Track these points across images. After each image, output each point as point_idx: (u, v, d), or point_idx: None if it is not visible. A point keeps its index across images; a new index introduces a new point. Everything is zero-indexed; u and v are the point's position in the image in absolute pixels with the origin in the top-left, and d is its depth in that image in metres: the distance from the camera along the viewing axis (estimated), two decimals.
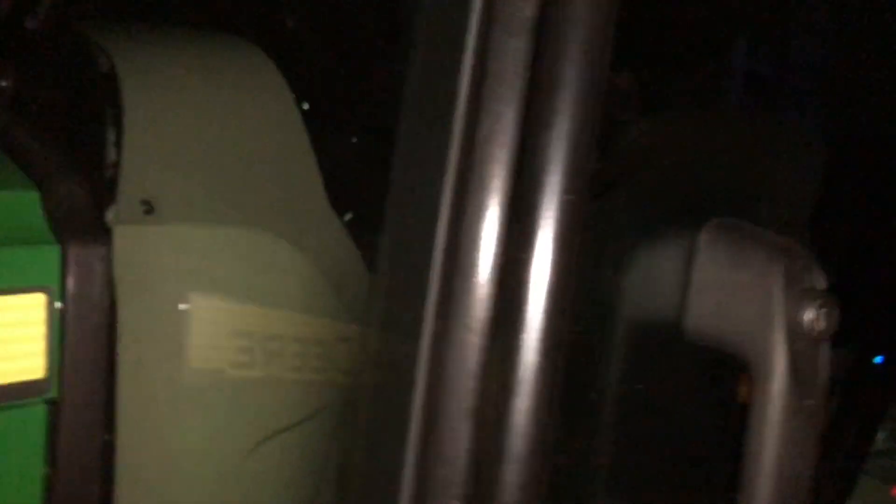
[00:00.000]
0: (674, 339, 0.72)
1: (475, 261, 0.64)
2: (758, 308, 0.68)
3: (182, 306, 1.02)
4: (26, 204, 0.94)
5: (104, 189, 1.03)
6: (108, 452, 0.96)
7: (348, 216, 1.36)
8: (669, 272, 0.72)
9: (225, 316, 1.05)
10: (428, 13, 0.68)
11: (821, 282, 0.67)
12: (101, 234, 0.95)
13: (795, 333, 0.67)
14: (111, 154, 1.07)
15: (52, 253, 0.91)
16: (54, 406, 0.92)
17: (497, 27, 0.62)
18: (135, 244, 1.01)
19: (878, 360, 1.51)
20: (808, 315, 0.67)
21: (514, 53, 0.62)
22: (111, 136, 1.07)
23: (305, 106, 1.30)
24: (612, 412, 0.79)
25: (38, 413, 0.92)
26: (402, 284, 0.70)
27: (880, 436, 1.40)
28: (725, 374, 0.82)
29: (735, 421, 0.82)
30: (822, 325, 0.67)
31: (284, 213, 1.16)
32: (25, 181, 0.97)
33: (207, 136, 1.11)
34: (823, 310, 0.67)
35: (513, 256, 0.57)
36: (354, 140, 1.63)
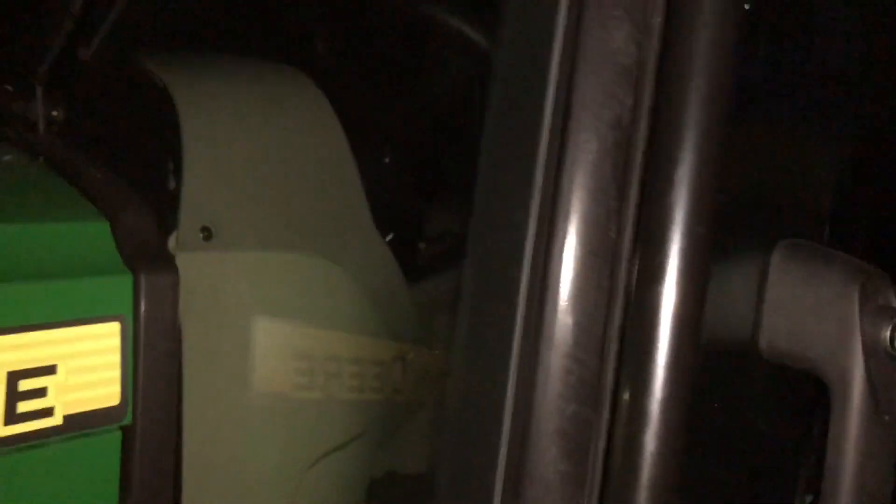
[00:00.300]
0: (746, 356, 0.74)
1: (560, 288, 0.66)
2: (835, 326, 0.70)
3: (243, 330, 1.04)
4: (97, 234, 0.96)
5: (164, 217, 1.05)
6: (178, 475, 0.98)
7: (390, 237, 1.39)
8: (740, 291, 0.75)
9: (284, 339, 1.07)
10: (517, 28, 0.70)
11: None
12: (170, 262, 0.97)
13: (873, 350, 0.69)
14: (170, 182, 1.09)
15: (124, 282, 0.94)
16: (128, 432, 0.94)
17: (586, 62, 0.64)
18: (196, 270, 1.03)
19: None
20: (885, 332, 0.70)
21: (603, 85, 0.64)
22: (169, 164, 1.10)
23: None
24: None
25: (113, 439, 0.94)
26: (492, 311, 0.72)
27: None
28: (800, 390, 0.84)
29: (809, 437, 0.84)
30: None
31: (334, 237, 1.19)
32: (94, 212, 0.99)
33: (262, 163, 1.13)
34: None
35: (640, 285, 0.59)
36: (387, 160, 1.66)
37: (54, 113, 1.21)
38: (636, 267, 0.61)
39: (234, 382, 1.04)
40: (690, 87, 0.58)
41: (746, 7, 0.66)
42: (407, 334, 1.31)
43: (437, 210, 1.84)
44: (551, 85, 0.68)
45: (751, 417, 0.83)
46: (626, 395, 0.60)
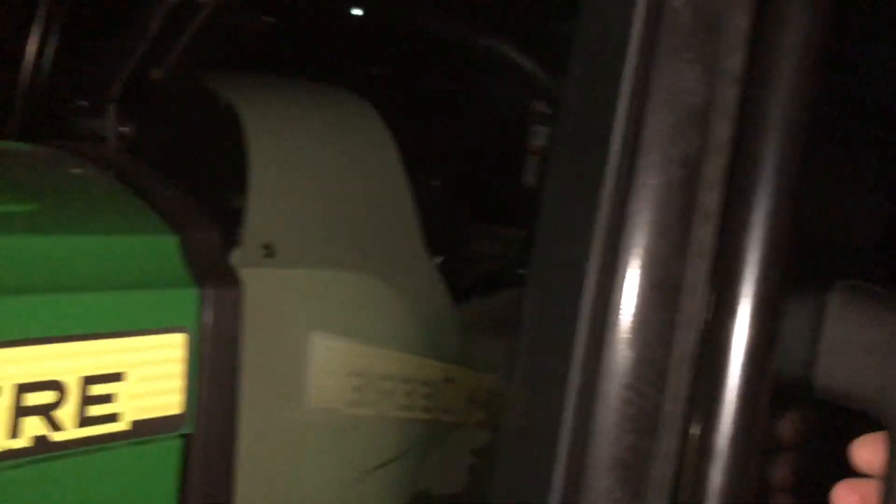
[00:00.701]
0: (800, 394, 0.75)
1: (620, 320, 0.68)
2: (894, 367, 0.71)
3: (300, 346, 1.07)
4: (166, 248, 1.00)
5: (228, 233, 1.09)
6: (232, 484, 1.01)
7: (439, 259, 1.42)
8: (795, 329, 0.76)
9: (340, 356, 1.10)
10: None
11: None
12: (235, 277, 1.01)
13: None
14: (234, 199, 1.13)
15: (190, 295, 0.97)
16: (189, 441, 0.97)
17: (656, 103, 0.66)
18: (257, 286, 1.06)
19: None
20: None
21: (670, 124, 0.67)
22: (234, 182, 1.14)
23: None
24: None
25: (174, 447, 0.97)
26: (552, 339, 0.74)
27: None
28: (854, 429, 0.85)
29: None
30: None
31: (387, 258, 1.22)
32: (163, 226, 1.03)
33: (322, 183, 1.17)
34: None
35: (714, 322, 0.61)
36: (437, 184, 1.69)
37: (125, 129, 1.26)
38: (706, 303, 0.63)
39: (289, 396, 1.07)
40: (769, 127, 0.60)
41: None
42: (453, 355, 1.33)
43: (482, 234, 1.87)
44: (619, 121, 0.71)
45: (805, 453, 0.84)
46: (694, 429, 0.61)
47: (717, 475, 0.60)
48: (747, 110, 0.62)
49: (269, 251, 1.09)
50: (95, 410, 0.90)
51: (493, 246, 1.86)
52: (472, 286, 1.68)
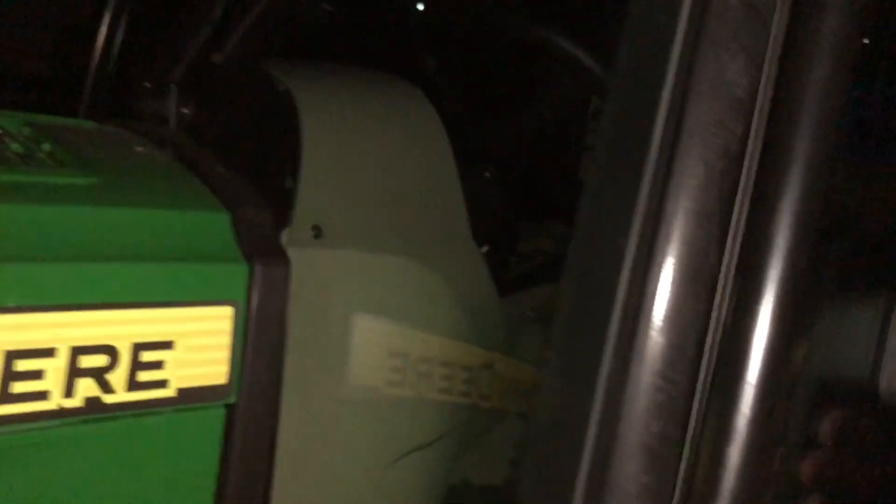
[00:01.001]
0: (864, 398, 0.75)
1: (654, 308, 0.69)
2: None
3: (344, 325, 1.09)
4: (218, 224, 1.04)
5: (279, 213, 1.12)
6: (273, 456, 1.04)
7: (485, 249, 1.43)
8: (860, 333, 0.75)
9: (382, 336, 1.12)
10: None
11: None
12: (283, 255, 1.04)
13: None
14: (287, 181, 1.16)
15: (240, 270, 1.00)
16: (232, 411, 1.00)
17: (702, 92, 0.67)
18: (305, 266, 1.09)
19: None
20: None
21: (716, 114, 0.67)
22: (287, 164, 1.17)
23: None
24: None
25: (217, 416, 1.00)
26: (586, 323, 0.74)
27: None
28: None
29: None
30: None
31: (434, 245, 1.24)
32: (217, 203, 1.06)
33: (372, 169, 1.19)
34: None
35: (736, 311, 0.61)
36: (487, 175, 1.70)
37: (185, 111, 1.31)
38: (734, 293, 0.63)
39: (331, 373, 1.09)
40: (801, 121, 0.60)
41: (865, 41, 0.67)
42: (495, 344, 1.34)
43: (530, 227, 1.87)
44: (662, 110, 0.71)
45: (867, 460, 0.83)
46: (713, 414, 0.62)
47: (734, 459, 0.60)
48: (782, 103, 0.62)
49: (317, 232, 1.12)
50: (145, 376, 0.93)
51: (546, 241, 1.86)
52: (521, 278, 1.69)
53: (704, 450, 0.63)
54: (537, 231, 1.88)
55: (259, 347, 1.00)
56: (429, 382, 1.17)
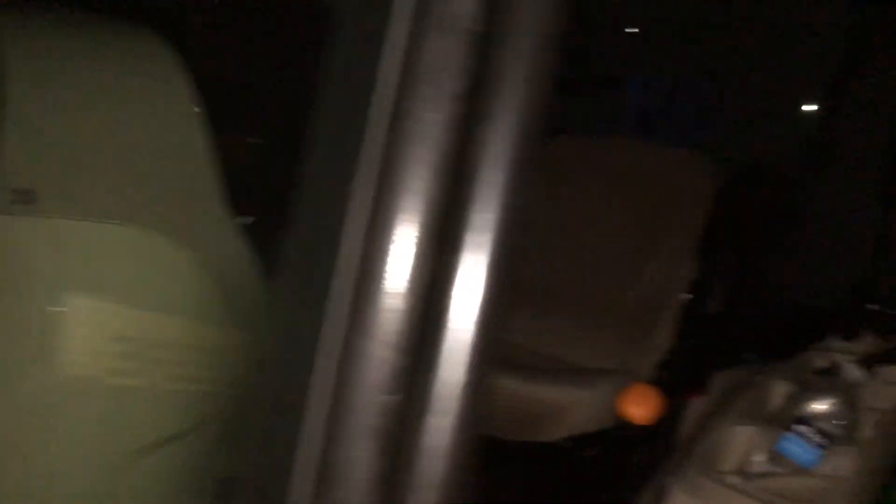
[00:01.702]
0: None
1: (387, 269, 0.62)
2: None
3: (51, 305, 0.94)
4: None
5: None
6: None
7: (244, 220, 1.31)
8: None
9: (104, 318, 0.98)
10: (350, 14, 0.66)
11: None
12: None
13: None
14: None
15: None
16: None
17: (431, 28, 0.60)
18: (7, 236, 0.93)
19: None
20: None
21: (447, 53, 0.60)
22: None
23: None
24: None
25: None
26: (305, 292, 0.66)
27: None
28: None
29: None
30: None
31: (177, 212, 1.10)
32: None
33: (98, 128, 1.04)
34: None
35: (439, 266, 0.54)
36: (254, 142, 1.58)
37: None
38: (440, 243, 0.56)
39: (40, 362, 0.94)
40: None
41: None
42: (256, 326, 1.23)
43: None
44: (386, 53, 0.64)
45: None
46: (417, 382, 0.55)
47: (438, 422, 0.54)
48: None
49: (25, 198, 0.95)
50: None
51: None
52: None
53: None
54: None
55: None
56: (164, 370, 1.04)
